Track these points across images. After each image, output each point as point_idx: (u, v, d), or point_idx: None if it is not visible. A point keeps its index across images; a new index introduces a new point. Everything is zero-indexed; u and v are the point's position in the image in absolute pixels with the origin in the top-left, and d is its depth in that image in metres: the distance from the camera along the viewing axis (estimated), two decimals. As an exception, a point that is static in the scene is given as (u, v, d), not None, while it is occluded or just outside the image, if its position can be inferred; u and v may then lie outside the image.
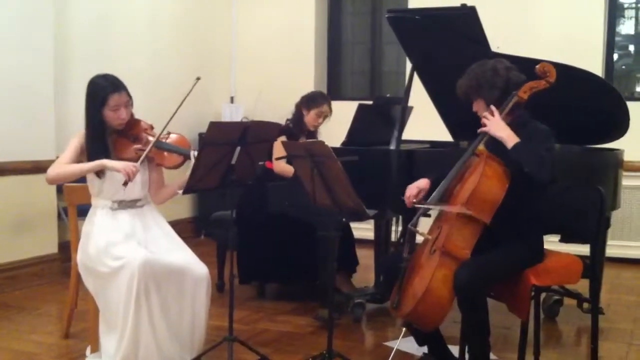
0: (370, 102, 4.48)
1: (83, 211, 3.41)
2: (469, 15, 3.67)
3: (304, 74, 6.83)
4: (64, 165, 3.10)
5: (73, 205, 3.62)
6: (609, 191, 3.84)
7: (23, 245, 4.87)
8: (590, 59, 5.54)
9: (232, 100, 7.11)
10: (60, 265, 5.04)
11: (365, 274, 4.78)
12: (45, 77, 4.96)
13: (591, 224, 3.11)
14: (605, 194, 3.16)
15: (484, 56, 3.18)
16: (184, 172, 3.16)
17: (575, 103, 3.75)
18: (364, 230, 5.14)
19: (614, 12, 6.05)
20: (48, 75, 4.99)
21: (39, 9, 4.90)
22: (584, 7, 5.90)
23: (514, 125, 2.95)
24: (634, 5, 6.24)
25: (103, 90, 3.12)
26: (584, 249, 3.17)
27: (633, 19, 6.27)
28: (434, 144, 4.52)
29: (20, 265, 4.84)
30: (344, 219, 3.78)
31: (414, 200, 3.05)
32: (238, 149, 3.12)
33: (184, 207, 6.62)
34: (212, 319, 3.37)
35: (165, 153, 3.23)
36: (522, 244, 2.99)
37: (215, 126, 3.04)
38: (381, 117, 4.37)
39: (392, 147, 4.00)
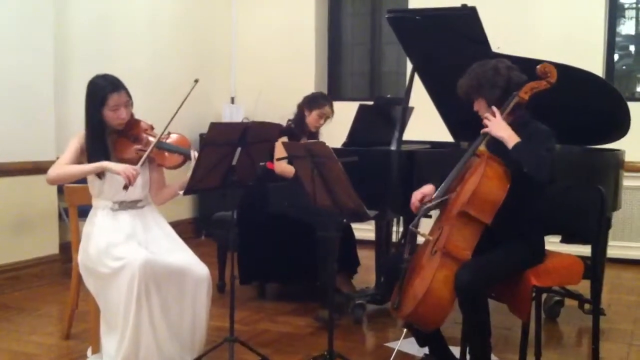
0: (371, 103, 4.47)
1: (84, 212, 3.41)
2: (470, 15, 3.66)
3: (304, 74, 6.83)
4: (65, 166, 3.10)
5: (74, 205, 3.62)
6: (609, 192, 3.84)
7: (23, 246, 4.86)
8: (591, 60, 5.54)
9: (232, 100, 7.10)
10: (60, 266, 5.03)
11: (366, 274, 4.77)
12: (45, 77, 4.96)
13: (592, 225, 3.11)
14: (606, 195, 3.16)
15: (484, 56, 3.18)
16: (185, 173, 3.15)
17: (576, 103, 3.75)
18: (364, 231, 5.13)
19: (615, 13, 6.04)
20: (48, 75, 4.98)
21: (39, 9, 4.90)
22: (584, 8, 5.90)
23: (515, 125, 2.95)
24: (634, 6, 6.23)
25: (102, 90, 3.12)
26: (585, 250, 3.17)
27: (633, 19, 6.27)
28: (434, 145, 4.52)
29: (20, 266, 4.83)
30: (344, 220, 3.78)
31: (419, 205, 3.06)
32: (239, 149, 3.12)
33: (184, 207, 6.62)
34: (212, 320, 3.38)
35: (166, 153, 3.23)
36: (523, 245, 2.99)
37: (215, 127, 3.04)
38: (382, 117, 4.37)
39: (393, 147, 3.99)
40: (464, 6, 3.71)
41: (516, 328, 3.51)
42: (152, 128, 3.26)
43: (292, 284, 4.68)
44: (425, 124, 4.52)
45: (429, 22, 3.85)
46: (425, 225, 3.04)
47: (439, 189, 3.00)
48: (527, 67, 3.06)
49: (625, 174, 4.30)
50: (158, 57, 6.19)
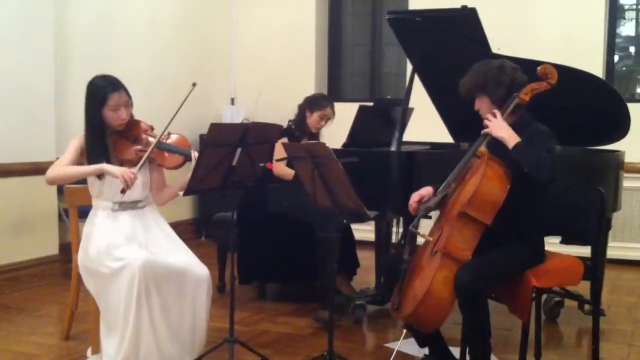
0: (371, 104, 4.47)
1: (84, 212, 3.41)
2: (470, 16, 3.66)
3: (305, 74, 6.82)
4: (64, 167, 3.10)
5: (74, 206, 3.62)
6: (609, 192, 3.84)
7: (23, 246, 4.86)
8: (591, 60, 5.54)
9: (232, 101, 7.10)
10: (60, 266, 5.03)
11: (365, 275, 4.77)
12: (45, 77, 4.96)
13: (592, 226, 3.11)
14: (606, 195, 3.16)
15: (484, 57, 3.18)
16: (185, 174, 3.15)
17: (576, 104, 3.75)
18: (364, 231, 5.14)
19: (615, 14, 6.04)
20: (48, 75, 4.98)
21: (39, 9, 4.90)
22: (584, 8, 5.90)
23: (515, 126, 2.95)
24: (634, 7, 6.23)
25: (102, 90, 3.12)
26: (585, 251, 3.17)
27: (633, 21, 6.27)
28: (434, 146, 4.52)
29: (20, 267, 4.83)
30: (344, 221, 3.78)
31: (416, 206, 3.05)
32: (239, 150, 3.12)
33: (184, 208, 6.62)
34: (212, 320, 3.37)
35: (166, 154, 3.22)
36: (523, 245, 2.99)
37: (215, 127, 3.04)
38: (382, 118, 4.37)
39: (393, 148, 3.99)
40: (464, 7, 3.71)
41: (516, 329, 3.52)
42: (152, 129, 3.26)
43: (292, 284, 4.68)
44: (425, 125, 4.52)
45: (429, 23, 3.85)
46: (425, 226, 3.04)
47: (439, 189, 3.01)
48: (527, 68, 3.06)
49: (626, 174, 4.30)
50: (158, 57, 6.19)
